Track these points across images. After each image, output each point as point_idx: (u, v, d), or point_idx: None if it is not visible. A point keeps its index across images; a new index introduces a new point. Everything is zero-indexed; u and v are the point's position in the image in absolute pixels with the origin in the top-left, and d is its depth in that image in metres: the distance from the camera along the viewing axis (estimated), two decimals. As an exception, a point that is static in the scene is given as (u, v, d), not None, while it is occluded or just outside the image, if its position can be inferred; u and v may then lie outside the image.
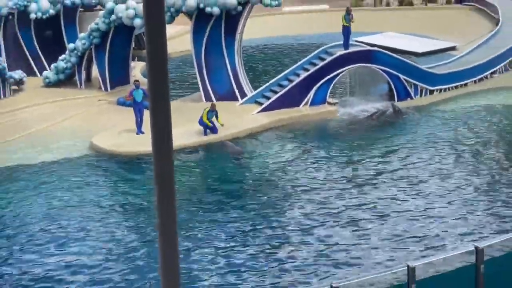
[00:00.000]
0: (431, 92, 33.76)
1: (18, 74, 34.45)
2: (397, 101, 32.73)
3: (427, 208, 23.16)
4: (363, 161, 27.22)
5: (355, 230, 21.99)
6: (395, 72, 32.86)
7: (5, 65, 33.75)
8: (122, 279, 19.75)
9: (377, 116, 31.62)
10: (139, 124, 29.36)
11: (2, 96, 33.55)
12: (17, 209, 24.12)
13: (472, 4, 46.30)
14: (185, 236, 21.35)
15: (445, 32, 42.24)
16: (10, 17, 35.89)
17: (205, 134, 29.13)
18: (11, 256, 21.18)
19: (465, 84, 34.66)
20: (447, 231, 21.64)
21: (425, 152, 27.86)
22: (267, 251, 20.95)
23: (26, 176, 26.58)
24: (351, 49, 32.98)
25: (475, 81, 35.03)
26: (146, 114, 28.44)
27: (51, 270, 20.25)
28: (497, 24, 41.17)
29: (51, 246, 21.66)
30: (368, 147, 28.71)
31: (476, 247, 15.30)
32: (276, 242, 21.39)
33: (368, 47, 34.55)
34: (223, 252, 20.83)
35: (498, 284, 15.49)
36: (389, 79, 32.99)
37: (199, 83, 32.89)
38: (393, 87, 33.05)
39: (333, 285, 14.17)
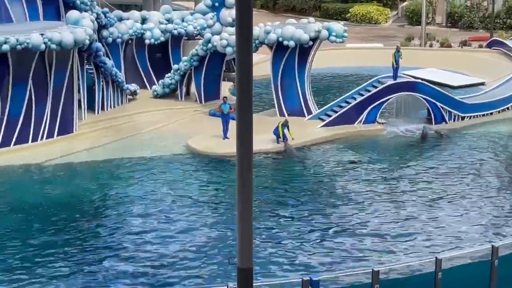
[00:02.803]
0: (462, 118, 33.27)
1: (133, 86, 35.01)
2: (434, 124, 32.36)
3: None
4: (402, 171, 26.99)
5: (395, 221, 21.83)
6: (433, 100, 32.50)
7: (124, 79, 34.36)
8: (207, 252, 19.91)
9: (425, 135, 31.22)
10: (225, 131, 29.54)
11: (120, 103, 34.11)
12: (128, 191, 24.55)
13: (499, 49, 45.56)
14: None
15: (476, 70, 41.62)
16: (130, 41, 36.50)
17: (278, 142, 29.20)
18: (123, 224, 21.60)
19: (491, 113, 34.11)
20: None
21: (457, 164, 27.62)
22: (316, 241, 20.93)
23: (136, 167, 27.02)
24: (399, 80, 32.76)
25: (498, 111, 34.42)
26: (231, 124, 28.62)
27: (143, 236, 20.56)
28: (519, 66, 40.48)
29: (156, 218, 22.05)
30: (408, 159, 28.45)
31: (492, 245, 15.10)
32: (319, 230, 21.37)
33: (413, 79, 34.23)
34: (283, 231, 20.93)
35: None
36: (428, 106, 32.64)
37: (275, 101, 32.99)
38: (431, 112, 32.67)
39: (374, 269, 14.08)
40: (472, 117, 33.52)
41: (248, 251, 8.48)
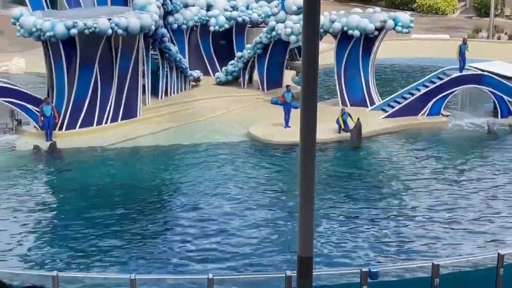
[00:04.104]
0: (530, 112, 32.63)
1: (196, 73, 35.28)
2: (500, 117, 31.77)
3: None
4: (467, 165, 26.59)
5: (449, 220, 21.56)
6: (500, 94, 31.89)
7: (187, 65, 34.65)
8: (267, 239, 20.02)
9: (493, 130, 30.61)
10: (287, 120, 29.54)
11: (183, 89, 34.43)
12: (189, 176, 24.85)
13: None
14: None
15: (545, 64, 40.67)
16: (195, 28, 36.74)
17: (339, 132, 29.10)
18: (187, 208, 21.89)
19: (560, 108, 33.30)
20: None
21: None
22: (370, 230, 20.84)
23: (198, 152, 27.30)
24: (465, 72, 32.25)
25: None
26: (293, 112, 28.58)
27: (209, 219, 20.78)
28: None
29: (216, 203, 22.27)
30: (474, 153, 27.99)
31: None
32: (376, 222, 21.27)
33: (479, 72, 33.62)
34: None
35: None
36: (494, 99, 32.04)
37: (338, 90, 32.81)
38: (497, 105, 32.08)
39: (435, 262, 13.97)
40: (540, 112, 32.78)
41: (309, 240, 8.51)
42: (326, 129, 28.62)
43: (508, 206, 22.63)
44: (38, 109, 28.31)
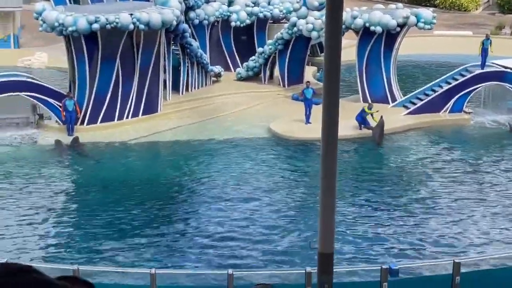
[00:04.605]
0: (553, 110, 32.35)
1: (217, 68, 35.32)
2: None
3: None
4: (488, 163, 26.42)
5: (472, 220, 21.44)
6: (523, 91, 31.75)
7: (208, 60, 34.69)
8: (288, 235, 20.01)
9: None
10: (307, 116, 29.49)
11: (204, 85, 34.48)
12: (209, 171, 24.89)
13: None
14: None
15: None
16: (216, 23, 36.81)
17: (360, 128, 29.00)
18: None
19: None
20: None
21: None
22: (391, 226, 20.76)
23: (218, 148, 27.35)
24: (487, 69, 32.02)
25: None
26: (313, 108, 28.54)
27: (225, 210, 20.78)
28: None
29: (237, 200, 22.31)
30: (495, 151, 27.80)
31: None
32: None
33: (502, 69, 33.39)
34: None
35: None
36: (517, 97, 31.91)
37: (359, 87, 32.72)
38: (520, 103, 31.94)
39: (456, 260, 13.91)
40: None
41: (330, 236, 8.51)
42: (348, 126, 28.51)
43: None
44: (60, 104, 28.48)
